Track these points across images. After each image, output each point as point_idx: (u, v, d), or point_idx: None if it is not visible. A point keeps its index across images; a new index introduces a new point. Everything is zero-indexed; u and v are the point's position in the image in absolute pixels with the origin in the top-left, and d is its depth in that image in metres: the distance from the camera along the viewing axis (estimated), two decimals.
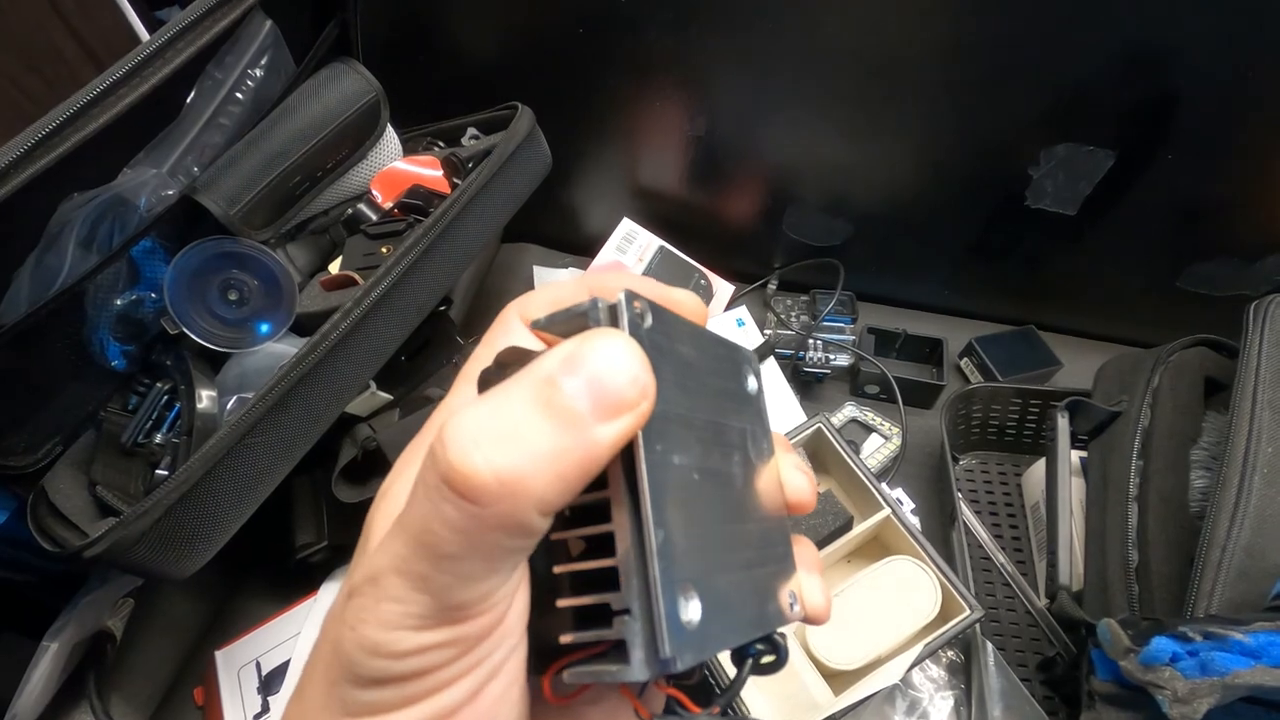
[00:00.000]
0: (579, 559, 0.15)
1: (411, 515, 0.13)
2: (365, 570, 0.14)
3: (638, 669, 0.13)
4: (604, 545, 0.14)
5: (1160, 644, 0.32)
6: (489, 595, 0.13)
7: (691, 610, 0.13)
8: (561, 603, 0.14)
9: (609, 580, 0.14)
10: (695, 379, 0.16)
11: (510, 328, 0.18)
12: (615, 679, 0.13)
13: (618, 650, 0.13)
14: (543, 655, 0.15)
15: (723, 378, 0.17)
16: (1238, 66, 0.54)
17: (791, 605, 0.17)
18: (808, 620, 0.18)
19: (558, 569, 0.15)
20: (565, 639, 0.14)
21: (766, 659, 0.17)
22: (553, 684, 0.15)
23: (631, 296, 0.14)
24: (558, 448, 0.12)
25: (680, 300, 0.18)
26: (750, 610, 0.16)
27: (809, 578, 0.19)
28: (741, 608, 0.15)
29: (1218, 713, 0.31)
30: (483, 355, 0.17)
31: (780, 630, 0.17)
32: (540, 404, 0.13)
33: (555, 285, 0.18)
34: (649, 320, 0.15)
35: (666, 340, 0.15)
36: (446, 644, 0.13)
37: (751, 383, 0.19)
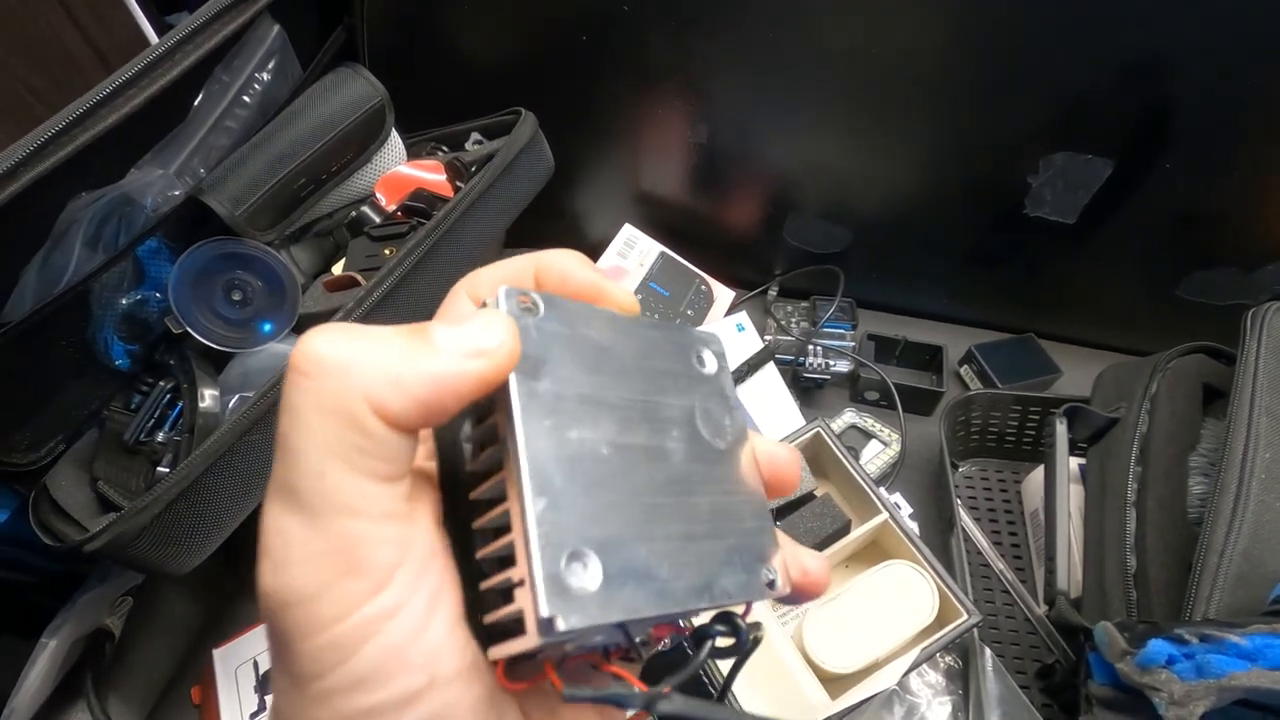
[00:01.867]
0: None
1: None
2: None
3: (529, 636, 0.13)
4: (500, 533, 0.15)
5: (1157, 647, 0.32)
6: (362, 507, 0.13)
7: (583, 575, 0.14)
8: (483, 586, 0.15)
9: (507, 563, 0.14)
10: (613, 361, 0.17)
11: (459, 303, 0.18)
12: (519, 651, 0.14)
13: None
14: (481, 646, 0.16)
15: (661, 359, 0.18)
16: (1236, 76, 0.54)
17: (769, 582, 0.17)
18: (801, 590, 0.18)
19: (478, 554, 0.15)
20: (487, 619, 0.15)
21: (724, 641, 0.17)
22: (505, 671, 0.15)
23: (514, 291, 0.16)
24: (396, 353, 0.14)
25: (611, 290, 0.18)
26: (688, 581, 0.16)
27: (798, 547, 0.19)
28: (673, 579, 0.15)
29: (1214, 715, 0.31)
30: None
31: (743, 614, 0.18)
32: (402, 331, 0.14)
33: (503, 262, 0.18)
34: (541, 310, 0.16)
35: (568, 328, 0.16)
36: (343, 575, 0.13)
37: (709, 363, 0.19)
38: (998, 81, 0.59)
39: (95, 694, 0.50)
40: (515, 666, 0.15)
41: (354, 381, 0.13)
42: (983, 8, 0.55)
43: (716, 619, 0.17)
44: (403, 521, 0.14)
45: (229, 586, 0.57)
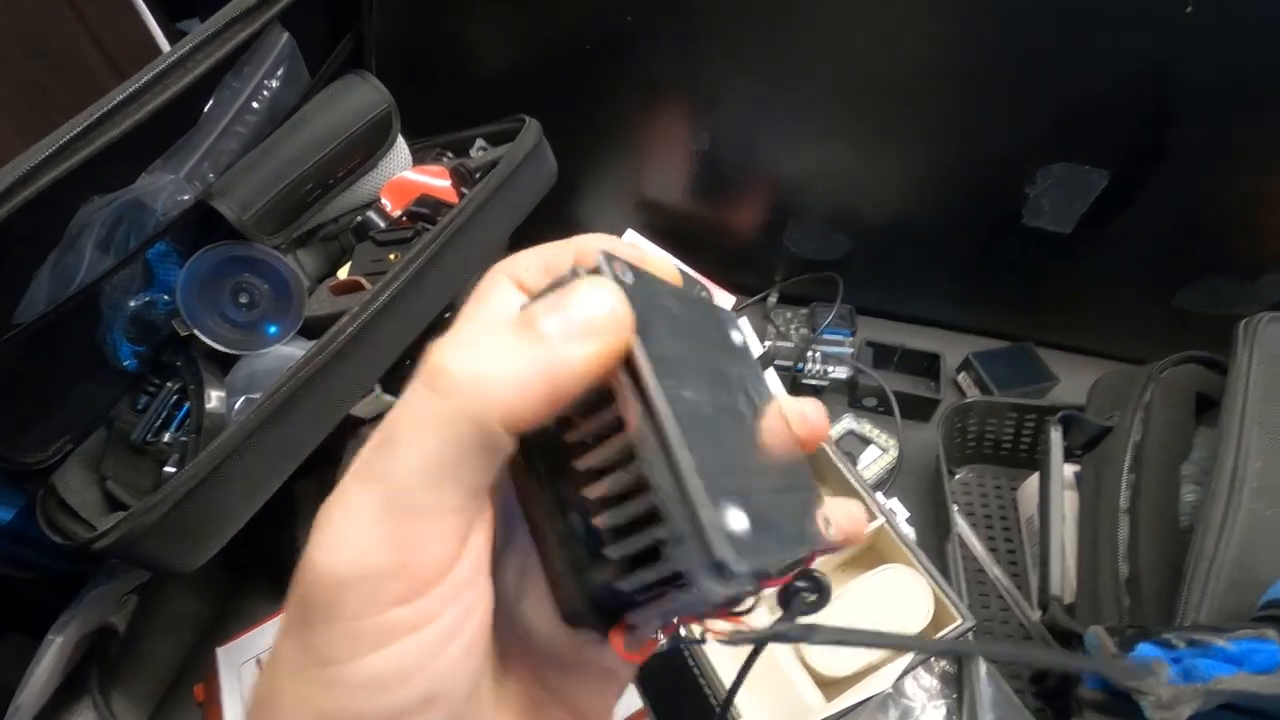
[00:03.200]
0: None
1: (387, 421, 0.14)
2: (326, 509, 0.14)
3: (705, 587, 0.13)
4: (631, 495, 0.14)
5: (1145, 650, 0.33)
6: (440, 514, 0.13)
7: (737, 520, 0.13)
8: (611, 552, 0.14)
9: (647, 522, 0.14)
10: (685, 330, 0.17)
11: (500, 290, 0.17)
12: (687, 609, 0.14)
13: (677, 586, 0.14)
14: (585, 618, 0.16)
15: (710, 330, 0.18)
16: (1232, 88, 0.55)
17: (827, 528, 0.18)
18: (845, 541, 0.18)
19: (597, 520, 0.14)
20: (624, 585, 0.14)
21: (811, 597, 0.17)
22: (625, 639, 0.15)
23: (610, 257, 0.15)
24: (525, 360, 0.13)
25: (657, 261, 0.18)
26: (790, 529, 0.16)
27: (841, 501, 0.19)
28: (781, 525, 0.15)
29: (1200, 719, 0.31)
30: (470, 313, 0.17)
31: (817, 568, 0.18)
32: (516, 329, 0.14)
33: (542, 246, 0.18)
34: (629, 277, 0.15)
35: (650, 295, 0.16)
36: (394, 570, 0.13)
37: (737, 336, 0.20)
38: (996, 93, 0.60)
39: (100, 690, 0.51)
40: (632, 636, 0.15)
41: (488, 399, 0.13)
42: (982, 21, 0.56)
43: (798, 576, 0.17)
44: (465, 536, 0.14)
45: (233, 585, 0.58)
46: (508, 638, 0.17)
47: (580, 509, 0.15)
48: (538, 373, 0.13)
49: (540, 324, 0.14)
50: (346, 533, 0.13)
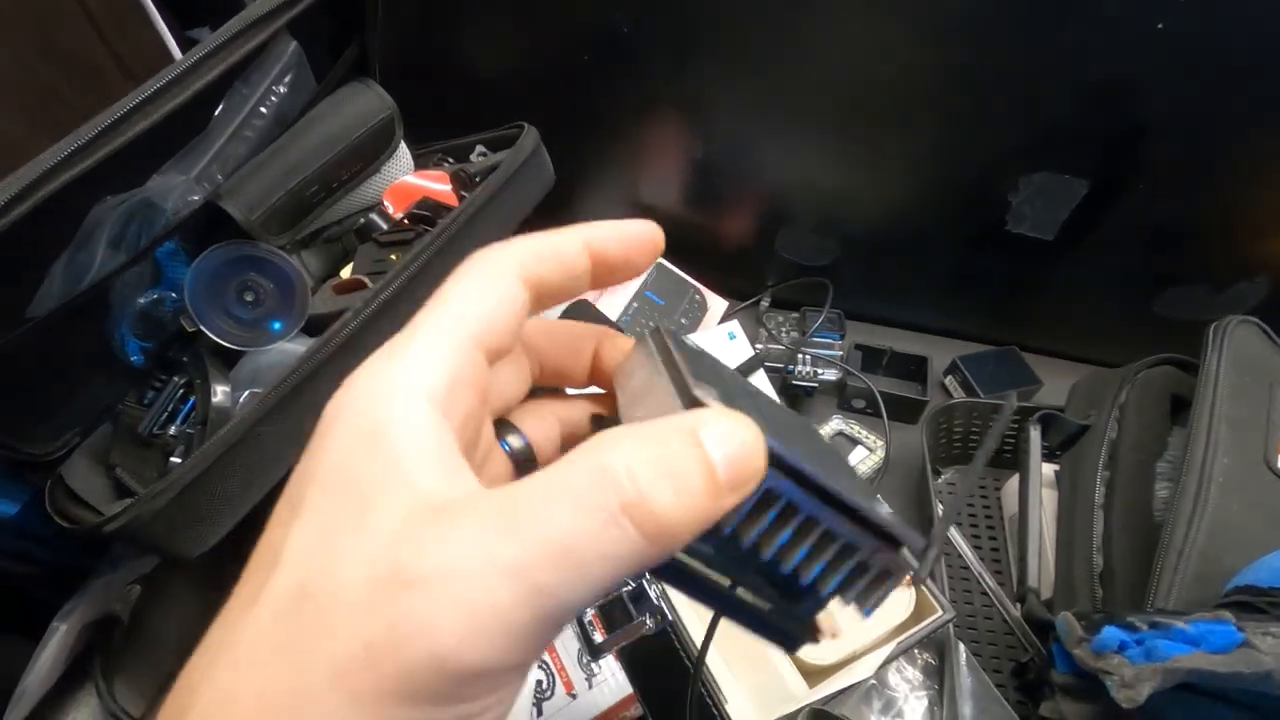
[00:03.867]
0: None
1: (552, 524, 0.13)
2: (434, 564, 0.12)
3: (905, 566, 0.17)
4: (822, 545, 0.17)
5: (1109, 633, 0.34)
6: (566, 621, 0.14)
7: (892, 518, 0.17)
8: (824, 589, 0.17)
9: (846, 556, 0.17)
10: (750, 391, 0.21)
11: (506, 276, 0.18)
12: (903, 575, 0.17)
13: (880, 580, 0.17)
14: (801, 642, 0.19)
15: (731, 371, 0.22)
16: (1203, 101, 0.57)
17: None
18: None
19: (803, 574, 0.17)
20: (843, 601, 0.18)
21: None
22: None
23: (668, 342, 0.20)
24: (705, 509, 0.14)
25: (633, 230, 0.20)
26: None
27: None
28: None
29: (1161, 698, 0.33)
30: (471, 291, 0.18)
31: None
32: (708, 480, 0.14)
33: (545, 235, 0.19)
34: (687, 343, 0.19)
35: (730, 383, 0.19)
36: (520, 666, 0.13)
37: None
38: (979, 104, 0.62)
39: (103, 678, 0.52)
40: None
41: (671, 546, 0.14)
42: (965, 35, 0.58)
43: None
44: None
45: (234, 575, 0.59)
46: None
47: (772, 572, 0.17)
48: (706, 515, 0.14)
49: (719, 473, 0.14)
50: (486, 632, 0.12)
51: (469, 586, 0.12)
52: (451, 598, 0.12)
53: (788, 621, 0.19)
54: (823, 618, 0.19)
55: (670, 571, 0.17)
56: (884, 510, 0.17)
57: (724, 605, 0.19)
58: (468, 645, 0.12)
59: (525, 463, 0.20)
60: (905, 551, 0.17)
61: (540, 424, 0.21)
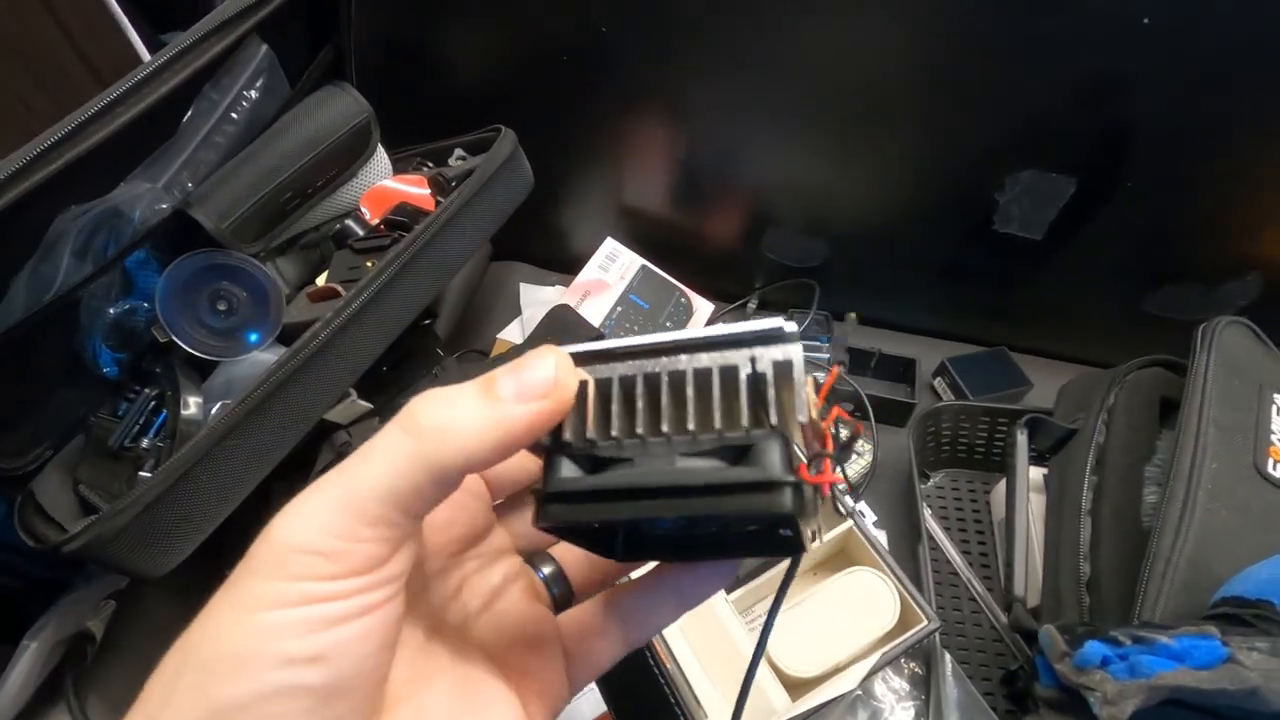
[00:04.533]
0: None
1: (364, 447, 0.17)
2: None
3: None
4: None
5: (1092, 648, 0.34)
6: (380, 526, 0.16)
7: None
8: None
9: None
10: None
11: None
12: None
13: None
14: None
15: None
16: (1189, 99, 0.56)
17: None
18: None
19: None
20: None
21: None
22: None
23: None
24: (484, 417, 0.16)
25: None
26: None
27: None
28: None
29: (1146, 715, 0.32)
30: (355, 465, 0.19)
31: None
32: (478, 389, 0.17)
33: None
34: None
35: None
36: (331, 554, 0.16)
37: None
38: (965, 102, 0.61)
39: (76, 695, 0.51)
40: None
41: (441, 448, 0.16)
42: (949, 34, 0.57)
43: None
44: (395, 548, 0.17)
45: (210, 591, 0.58)
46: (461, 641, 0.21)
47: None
48: (492, 427, 0.16)
49: (497, 386, 0.17)
50: (306, 515, 0.16)
51: (306, 493, 0.17)
52: (292, 502, 0.17)
53: (759, 504, 0.16)
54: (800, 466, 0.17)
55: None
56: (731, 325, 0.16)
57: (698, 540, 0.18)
58: (291, 524, 0.16)
59: (561, 589, 0.23)
60: (786, 333, 0.16)
61: (570, 550, 0.24)
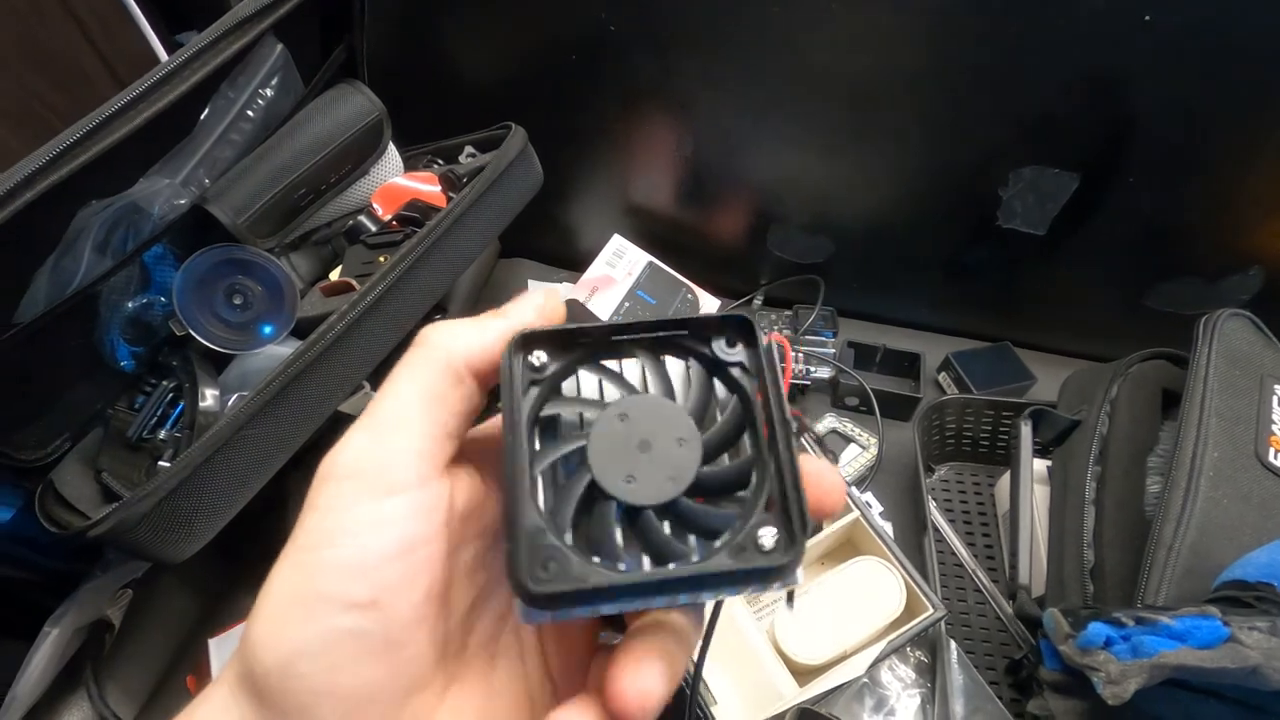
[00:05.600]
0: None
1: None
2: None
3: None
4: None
5: (1096, 629, 0.34)
6: (414, 435, 0.18)
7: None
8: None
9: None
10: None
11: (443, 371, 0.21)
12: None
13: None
14: None
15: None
16: (1190, 95, 0.57)
17: None
18: None
19: None
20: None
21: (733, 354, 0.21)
22: None
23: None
24: (492, 327, 0.19)
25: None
26: None
27: None
28: None
29: (1149, 694, 0.32)
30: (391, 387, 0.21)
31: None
32: (491, 313, 0.20)
33: (477, 327, 0.21)
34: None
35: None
36: (376, 469, 0.17)
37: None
38: (969, 99, 0.62)
39: (95, 682, 0.52)
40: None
41: (453, 348, 0.18)
42: (951, 30, 0.58)
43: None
44: (436, 465, 0.18)
45: (225, 579, 0.59)
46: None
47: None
48: (497, 332, 0.19)
49: (505, 308, 0.20)
50: (347, 446, 0.18)
51: (349, 430, 0.18)
52: (339, 441, 0.18)
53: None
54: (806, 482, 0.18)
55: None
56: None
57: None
58: (334, 457, 0.18)
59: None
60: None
61: None
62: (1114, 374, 0.55)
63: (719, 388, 0.20)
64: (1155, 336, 0.62)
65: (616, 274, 0.78)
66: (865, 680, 0.51)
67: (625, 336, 0.19)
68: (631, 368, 0.20)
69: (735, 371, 0.19)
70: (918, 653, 0.54)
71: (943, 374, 0.76)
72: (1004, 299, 0.77)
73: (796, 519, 0.17)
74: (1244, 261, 0.65)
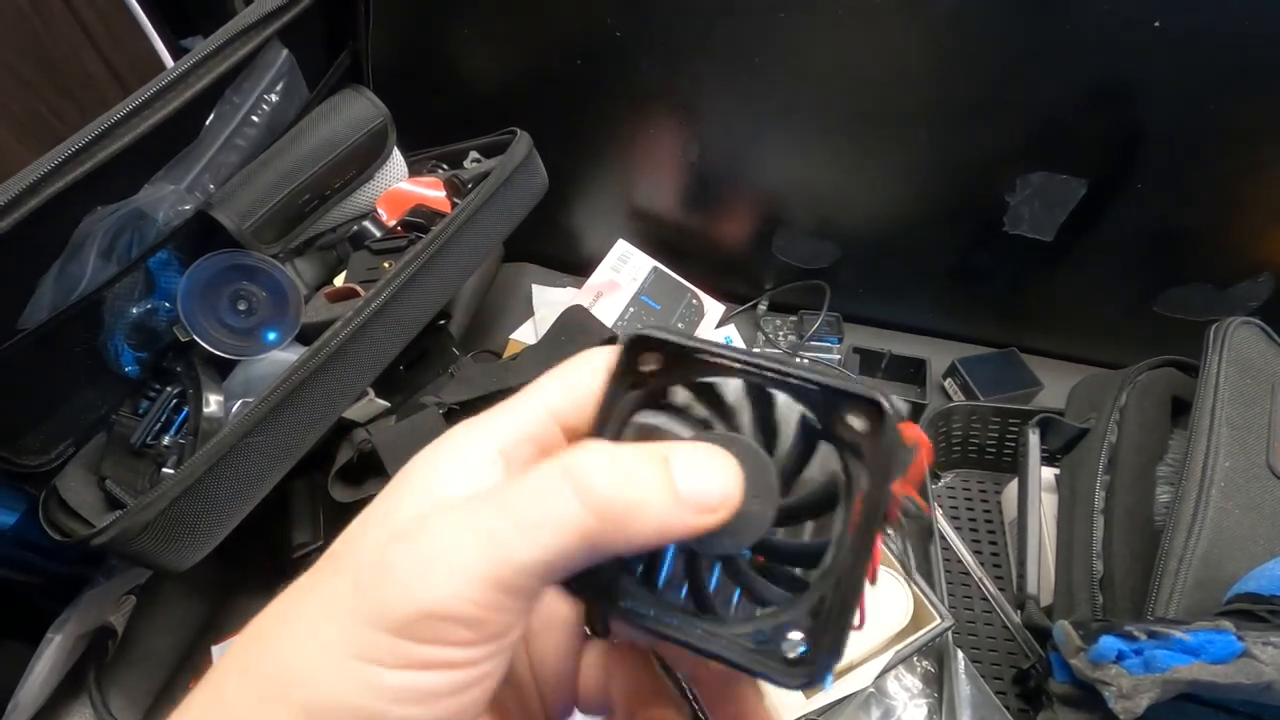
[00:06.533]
0: None
1: (516, 496, 0.15)
2: (425, 527, 0.15)
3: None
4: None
5: (1107, 643, 0.34)
6: (526, 595, 0.15)
7: None
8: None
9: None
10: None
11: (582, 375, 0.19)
12: None
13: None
14: None
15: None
16: (1200, 101, 0.56)
17: None
18: None
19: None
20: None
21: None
22: None
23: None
24: (665, 510, 0.15)
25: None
26: None
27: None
28: None
29: (1161, 709, 0.32)
30: (549, 388, 0.19)
31: None
32: (659, 476, 0.15)
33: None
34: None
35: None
36: (475, 622, 0.14)
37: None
38: (976, 104, 0.61)
39: (98, 688, 0.52)
40: None
41: (615, 533, 0.15)
42: (960, 35, 0.57)
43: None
44: (526, 614, 0.16)
45: (229, 585, 0.59)
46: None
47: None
48: (668, 526, 0.15)
49: (679, 483, 0.15)
50: (451, 577, 0.14)
51: (443, 541, 0.15)
52: (427, 548, 0.15)
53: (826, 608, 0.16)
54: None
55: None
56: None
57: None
58: (431, 585, 0.14)
59: None
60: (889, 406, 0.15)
61: None
62: (1123, 382, 0.54)
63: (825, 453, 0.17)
64: (1164, 343, 0.61)
65: (621, 279, 0.77)
66: (872, 691, 0.50)
67: (746, 370, 0.17)
68: (735, 390, 0.18)
69: (847, 454, 0.17)
70: (924, 663, 0.53)
71: (949, 380, 0.76)
72: (1011, 304, 0.76)
73: (828, 641, 0.16)
74: (1254, 268, 0.65)
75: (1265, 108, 0.56)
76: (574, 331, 0.64)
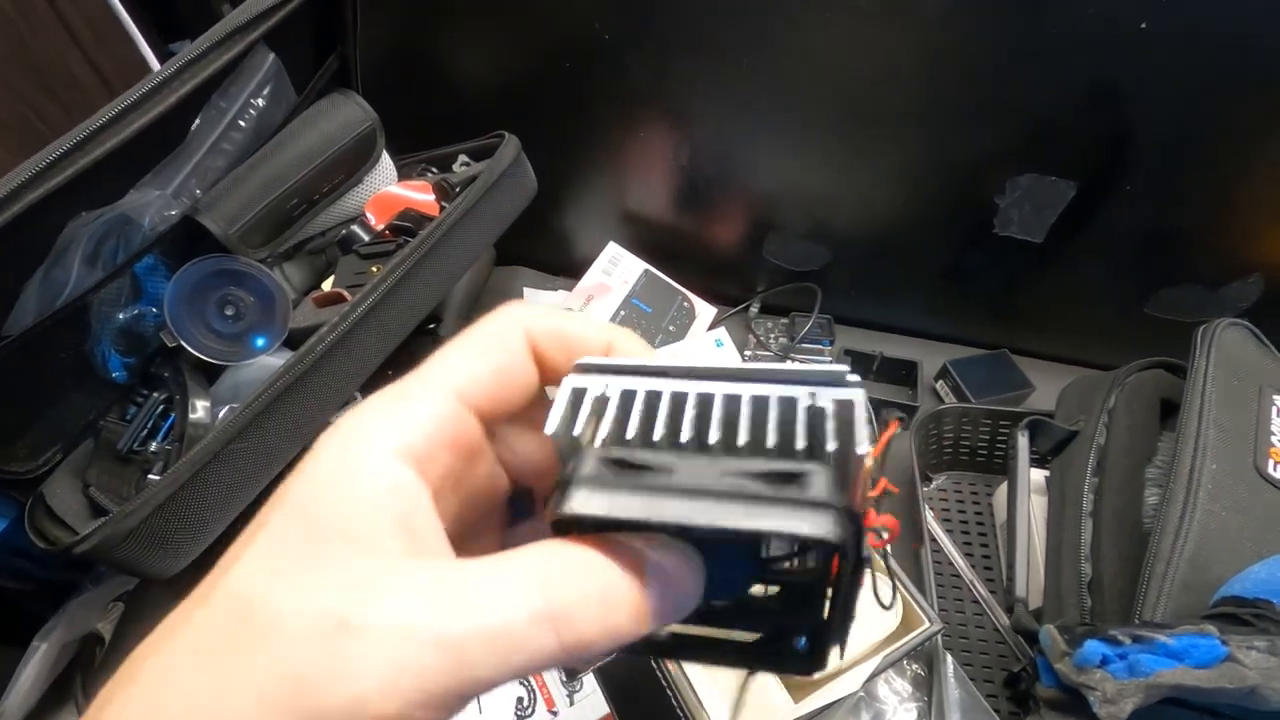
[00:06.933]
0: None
1: (490, 614, 0.14)
2: (378, 620, 0.13)
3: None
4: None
5: (1092, 647, 0.34)
6: (478, 695, 0.14)
7: None
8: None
9: None
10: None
11: (510, 345, 0.18)
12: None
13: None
14: None
15: None
16: (1189, 103, 0.56)
17: None
18: None
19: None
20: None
21: None
22: None
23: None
24: (630, 633, 0.15)
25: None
26: None
27: None
28: None
29: (1145, 714, 0.32)
30: (470, 353, 0.18)
31: None
32: (634, 609, 0.15)
33: (564, 314, 0.19)
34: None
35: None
36: None
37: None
38: (965, 106, 0.61)
39: (84, 695, 0.52)
40: None
41: (583, 656, 0.15)
42: (948, 38, 0.57)
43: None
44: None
45: None
46: None
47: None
48: (627, 636, 0.15)
49: (649, 608, 0.15)
50: (412, 693, 0.13)
51: (404, 648, 0.13)
52: (386, 653, 0.13)
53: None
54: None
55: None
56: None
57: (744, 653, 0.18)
58: (387, 698, 0.13)
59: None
60: (849, 379, 0.16)
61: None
62: (1112, 383, 0.54)
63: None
64: (1154, 344, 0.61)
65: (612, 282, 0.77)
66: (861, 694, 0.50)
67: (682, 531, 0.16)
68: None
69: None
70: (914, 666, 0.53)
71: (940, 382, 0.76)
72: (1002, 306, 0.76)
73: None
74: (1243, 269, 0.65)
75: (1254, 108, 0.56)
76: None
